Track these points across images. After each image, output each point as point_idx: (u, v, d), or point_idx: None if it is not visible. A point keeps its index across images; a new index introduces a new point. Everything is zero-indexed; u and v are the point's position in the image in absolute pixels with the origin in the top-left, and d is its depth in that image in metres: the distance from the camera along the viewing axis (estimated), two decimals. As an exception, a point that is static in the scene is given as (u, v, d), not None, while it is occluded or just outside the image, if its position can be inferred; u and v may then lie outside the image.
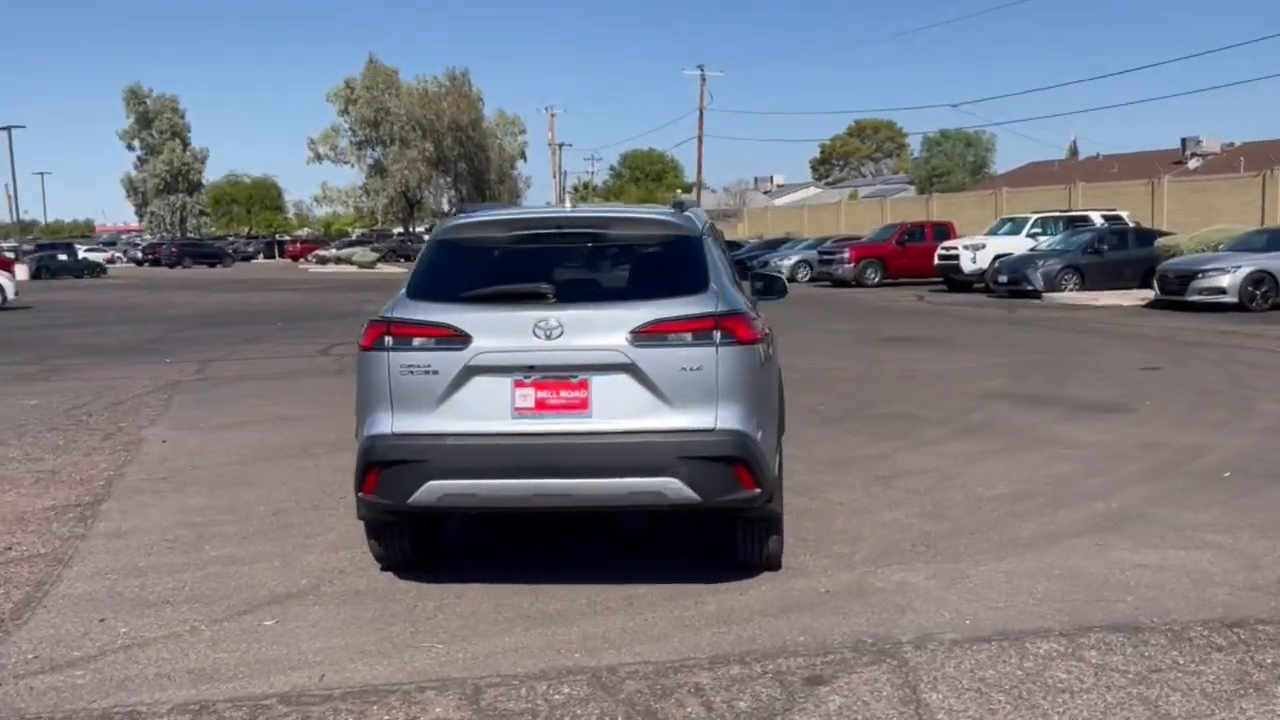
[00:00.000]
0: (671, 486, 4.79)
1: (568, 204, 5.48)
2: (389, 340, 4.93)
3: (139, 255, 74.99)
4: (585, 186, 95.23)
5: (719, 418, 4.86)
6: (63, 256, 54.50)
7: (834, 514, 6.54)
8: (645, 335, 4.82)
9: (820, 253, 35.38)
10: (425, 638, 4.67)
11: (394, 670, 4.32)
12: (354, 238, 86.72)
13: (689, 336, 4.85)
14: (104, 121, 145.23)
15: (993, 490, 7.03)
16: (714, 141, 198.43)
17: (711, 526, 5.83)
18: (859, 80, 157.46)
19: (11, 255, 52.91)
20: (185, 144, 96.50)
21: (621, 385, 4.82)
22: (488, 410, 4.85)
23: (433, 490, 4.82)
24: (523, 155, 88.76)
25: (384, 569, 5.54)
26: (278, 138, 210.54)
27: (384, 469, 4.87)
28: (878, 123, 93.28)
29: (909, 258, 32.68)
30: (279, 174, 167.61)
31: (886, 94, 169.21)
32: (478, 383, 4.85)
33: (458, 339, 4.86)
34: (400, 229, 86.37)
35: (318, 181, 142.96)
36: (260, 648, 4.59)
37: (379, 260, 59.32)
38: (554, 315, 4.85)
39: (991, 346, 15.67)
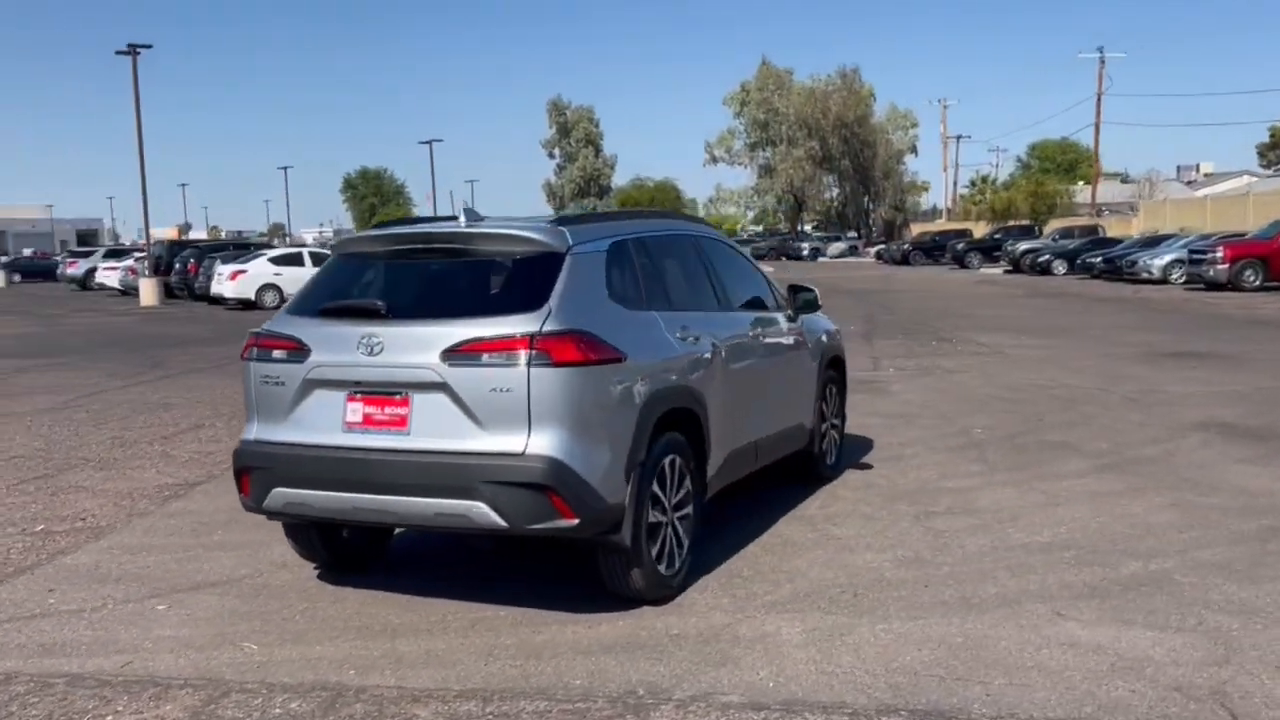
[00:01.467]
0: (477, 510, 4.71)
1: (463, 219, 5.37)
2: (254, 352, 5.24)
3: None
4: (984, 180, 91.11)
5: (530, 442, 4.70)
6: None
7: (807, 551, 6.05)
8: (458, 354, 4.76)
9: (1190, 251, 31.57)
10: (255, 638, 4.92)
11: (188, 665, 4.60)
12: (743, 237, 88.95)
13: (501, 357, 4.73)
14: (526, 131, 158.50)
15: (1029, 538, 6.16)
16: (1128, 130, 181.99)
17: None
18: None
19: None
20: (598, 150, 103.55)
21: (439, 404, 4.80)
22: (323, 423, 5.01)
23: (277, 497, 5.07)
24: (913, 150, 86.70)
25: (317, 569, 5.86)
26: (680, 142, 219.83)
27: (248, 473, 5.18)
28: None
29: (1301, 258, 28.39)
30: (679, 177, 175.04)
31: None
32: (317, 395, 5.03)
33: (300, 352, 5.06)
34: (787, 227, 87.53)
35: (714, 183, 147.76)
36: (121, 630, 5.05)
37: (747, 259, 60.29)
38: (378, 331, 4.92)
39: (1291, 366, 13.42)
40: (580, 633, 4.89)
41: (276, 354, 5.15)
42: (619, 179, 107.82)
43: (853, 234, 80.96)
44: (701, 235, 6.63)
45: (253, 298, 29.17)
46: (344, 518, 5.09)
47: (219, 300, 30.50)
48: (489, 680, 4.38)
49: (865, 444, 8.96)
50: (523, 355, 4.70)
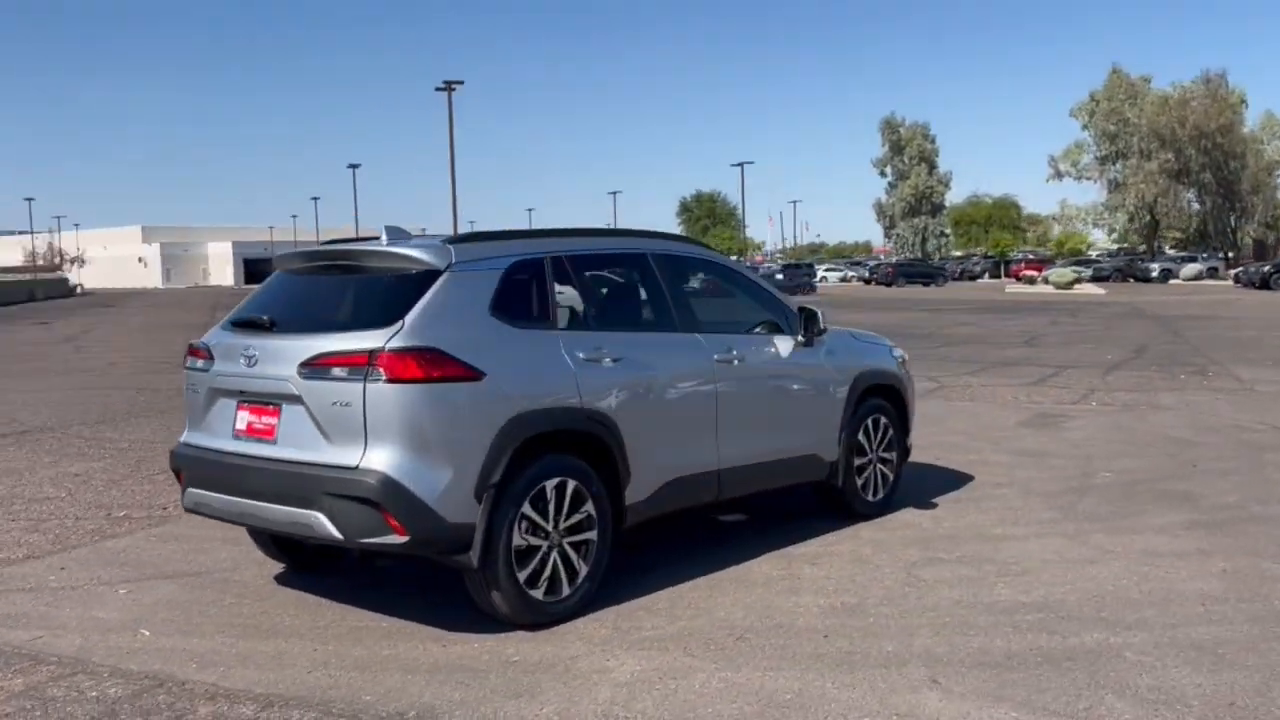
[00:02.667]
0: (318, 521, 4.84)
1: (383, 237, 5.50)
2: (187, 359, 5.64)
3: (865, 275, 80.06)
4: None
5: (365, 457, 4.77)
6: (780, 276, 60.47)
7: (751, 589, 5.70)
8: (311, 368, 4.91)
9: None
10: (158, 626, 5.29)
11: (78, 644, 5.03)
12: (1092, 256, 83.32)
13: (344, 371, 4.83)
14: (857, 150, 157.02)
15: (1012, 596, 5.47)
16: None
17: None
18: None
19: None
20: (932, 168, 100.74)
21: (299, 416, 4.98)
22: (221, 429, 5.33)
23: (190, 497, 5.45)
24: (1288, 162, 77.53)
25: (285, 568, 6.21)
26: (1021, 157, 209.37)
27: (178, 474, 5.60)
28: None
29: None
30: (1020, 193, 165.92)
31: None
32: (219, 403, 5.35)
33: (210, 361, 5.41)
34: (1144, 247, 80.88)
35: (1057, 199, 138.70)
36: (69, 608, 5.59)
37: (1076, 281, 56.35)
38: (256, 344, 5.17)
39: None
40: (433, 651, 4.89)
41: (198, 362, 5.54)
42: (954, 196, 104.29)
43: (1216, 254, 73.49)
44: (668, 254, 6.36)
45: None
46: (234, 520, 5.38)
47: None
48: (299, 687, 4.48)
49: (958, 481, 8.25)
50: (354, 370, 4.79)
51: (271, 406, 5.11)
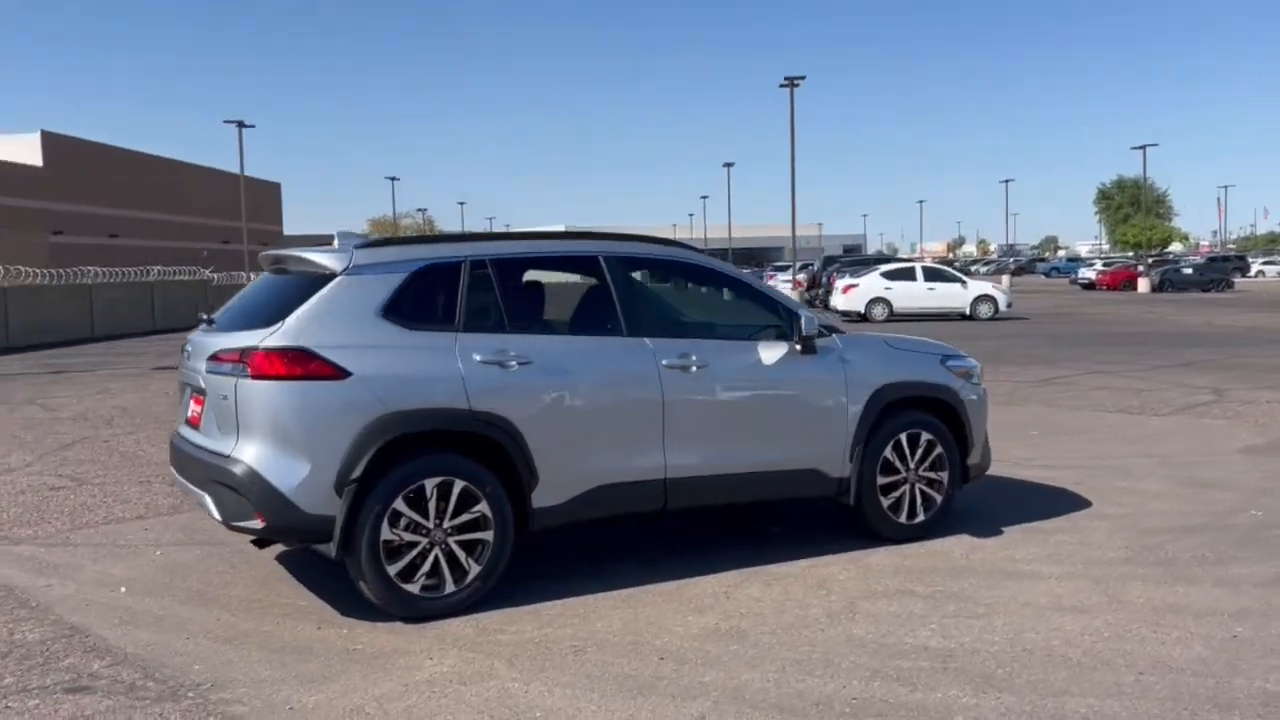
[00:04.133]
0: (207, 503, 5.28)
1: (336, 242, 5.73)
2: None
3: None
4: None
5: (236, 447, 5.12)
6: (1188, 270, 54.45)
7: (658, 603, 5.45)
8: (210, 363, 5.33)
9: None
10: (141, 586, 5.94)
11: (59, 593, 5.80)
12: None
13: (226, 367, 5.19)
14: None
15: (924, 643, 4.84)
16: None
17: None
18: None
19: (1140, 269, 55.29)
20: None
21: (209, 406, 5.41)
22: (183, 416, 5.89)
23: (175, 479, 6.05)
24: None
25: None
26: None
27: None
28: None
29: None
30: None
31: None
32: (186, 393, 5.90)
33: (184, 355, 5.97)
34: None
35: None
36: (98, 561, 6.42)
37: None
38: (196, 340, 5.68)
39: None
40: (301, 632, 5.15)
41: (182, 356, 6.14)
42: None
43: None
44: (628, 257, 6.13)
45: (862, 311, 29.98)
46: (197, 503, 5.85)
47: (844, 313, 31.80)
48: (160, 650, 4.90)
49: (1067, 507, 7.32)
50: (235, 367, 5.15)
51: (199, 397, 5.61)
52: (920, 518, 6.60)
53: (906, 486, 6.55)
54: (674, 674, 4.51)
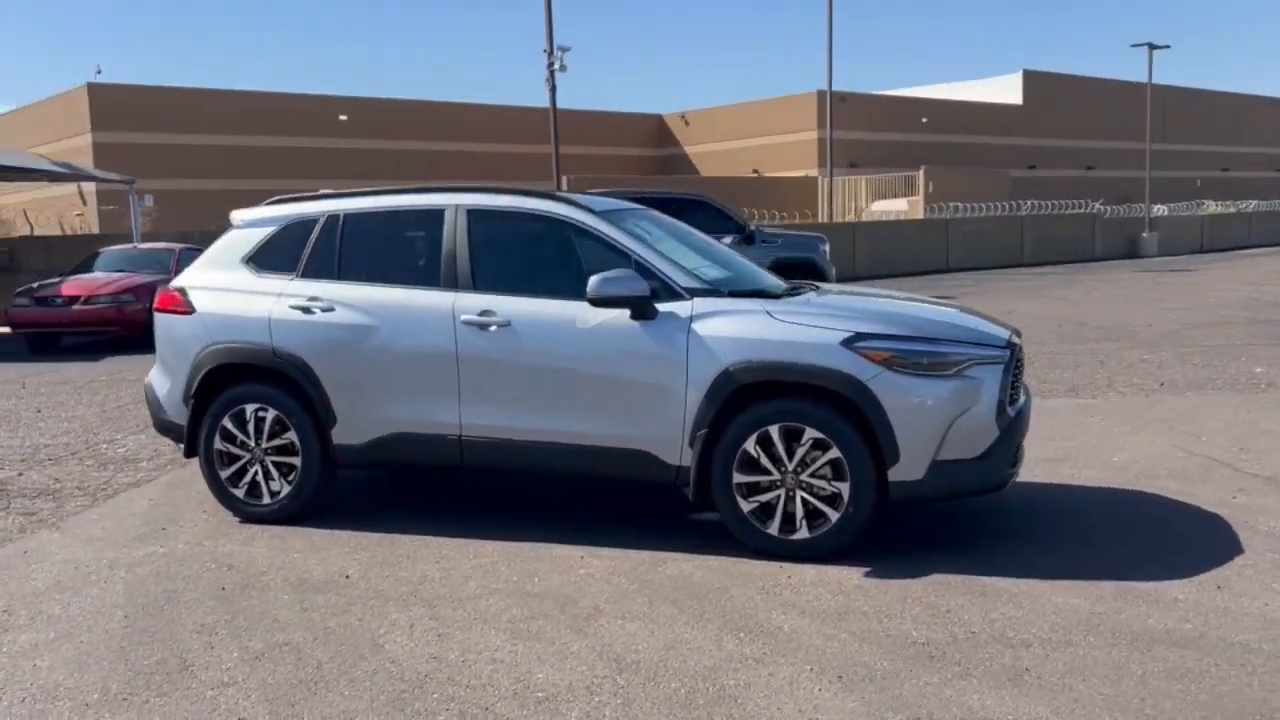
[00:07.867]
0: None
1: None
2: None
3: None
4: None
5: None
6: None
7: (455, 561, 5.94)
8: None
9: None
10: (109, 523, 6.70)
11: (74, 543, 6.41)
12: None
13: None
14: None
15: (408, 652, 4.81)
16: None
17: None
18: None
19: None
20: None
21: None
22: None
23: None
24: None
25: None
26: None
27: None
28: None
29: None
30: None
31: None
32: None
33: None
34: None
35: None
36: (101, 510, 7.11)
37: None
38: None
39: None
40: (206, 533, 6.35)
41: None
42: None
43: None
44: (480, 209, 6.23)
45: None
46: None
47: None
48: (90, 568, 5.84)
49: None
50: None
51: None
52: (802, 534, 5.53)
53: (780, 491, 5.55)
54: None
